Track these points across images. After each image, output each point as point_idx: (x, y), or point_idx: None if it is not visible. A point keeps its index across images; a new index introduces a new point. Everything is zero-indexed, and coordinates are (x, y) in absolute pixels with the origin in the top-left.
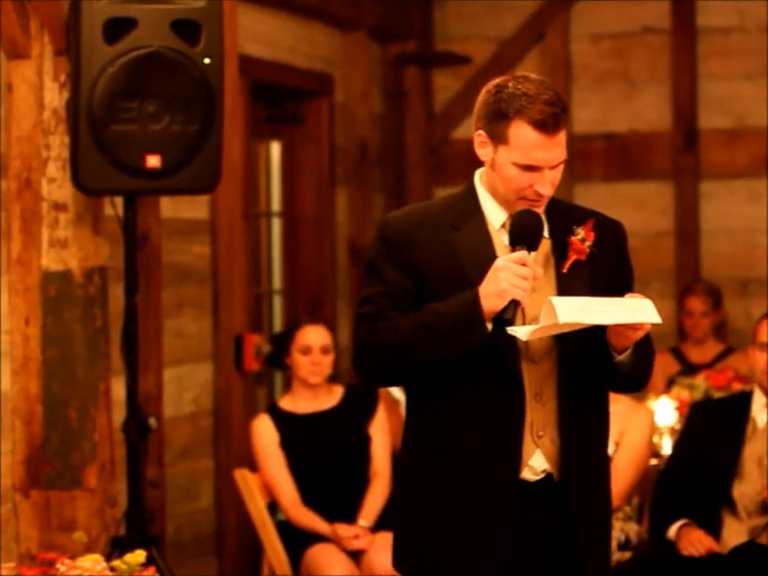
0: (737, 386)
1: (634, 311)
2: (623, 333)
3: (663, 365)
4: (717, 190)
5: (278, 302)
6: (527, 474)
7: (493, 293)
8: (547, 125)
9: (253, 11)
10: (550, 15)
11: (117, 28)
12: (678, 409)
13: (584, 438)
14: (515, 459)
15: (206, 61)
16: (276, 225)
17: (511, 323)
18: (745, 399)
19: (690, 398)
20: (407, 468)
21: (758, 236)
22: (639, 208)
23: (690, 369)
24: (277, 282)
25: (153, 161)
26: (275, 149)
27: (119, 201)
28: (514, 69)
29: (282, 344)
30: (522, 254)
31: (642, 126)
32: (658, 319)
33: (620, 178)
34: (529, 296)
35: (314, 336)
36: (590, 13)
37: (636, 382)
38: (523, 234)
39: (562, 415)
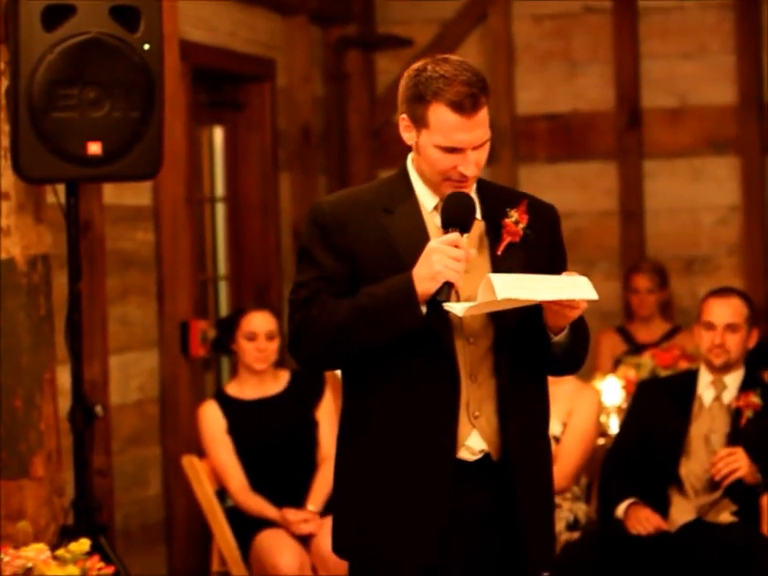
0: (683, 365)
1: (571, 288)
2: (560, 311)
3: (610, 344)
4: (660, 169)
5: (223, 288)
6: (464, 454)
7: (426, 275)
8: (464, 106)
9: None
10: None
11: (55, 15)
12: (624, 388)
13: (522, 417)
14: (451, 439)
15: (146, 47)
16: (220, 210)
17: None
18: (691, 377)
19: (637, 377)
20: (344, 450)
21: (702, 215)
22: (583, 188)
23: (636, 348)
24: (222, 267)
25: (94, 148)
26: (218, 134)
27: (61, 188)
28: (456, 50)
29: (228, 330)
30: (454, 235)
31: (585, 107)
32: (594, 295)
33: (564, 159)
34: (462, 277)
35: (259, 322)
36: None
37: (571, 364)
38: (455, 215)
39: (499, 395)
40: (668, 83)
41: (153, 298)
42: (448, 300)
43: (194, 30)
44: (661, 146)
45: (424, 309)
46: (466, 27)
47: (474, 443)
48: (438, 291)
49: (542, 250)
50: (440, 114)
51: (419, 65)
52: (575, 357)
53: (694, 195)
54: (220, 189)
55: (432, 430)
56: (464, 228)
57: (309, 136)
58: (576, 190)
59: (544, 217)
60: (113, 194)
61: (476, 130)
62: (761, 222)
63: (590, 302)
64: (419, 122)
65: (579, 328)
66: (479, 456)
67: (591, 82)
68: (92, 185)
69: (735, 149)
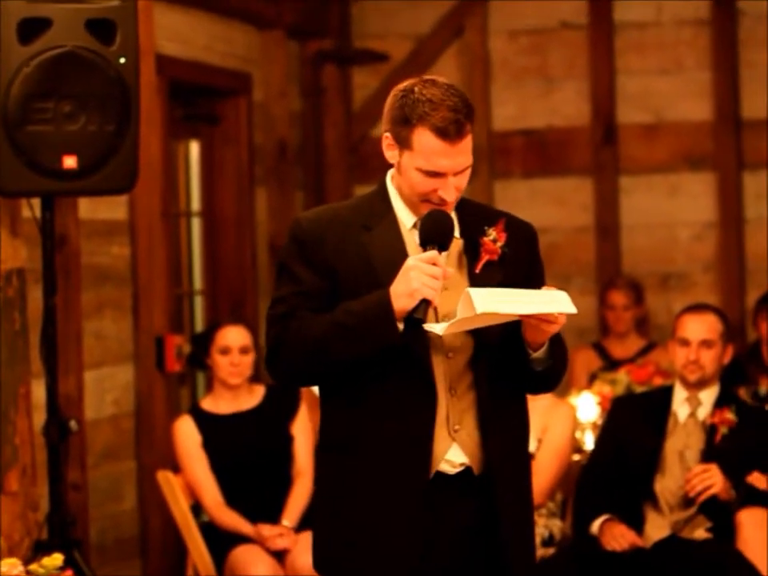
0: (658, 381)
1: (549, 302)
2: (539, 326)
3: (585, 360)
4: (636, 185)
5: (199, 303)
6: (445, 467)
7: (404, 292)
8: (449, 132)
9: (169, 10)
10: (467, 11)
11: (31, 28)
12: (600, 404)
13: (503, 430)
14: (429, 454)
15: (122, 60)
16: (196, 225)
17: (422, 322)
18: (666, 394)
19: (612, 393)
20: (323, 466)
21: (678, 230)
22: (559, 204)
23: (612, 364)
24: (198, 282)
25: (69, 161)
26: (194, 148)
27: (36, 202)
28: (433, 66)
29: (202, 345)
30: (432, 253)
31: (561, 122)
32: (573, 309)
33: (539, 175)
34: (440, 295)
35: (233, 336)
36: (508, 8)
37: (550, 382)
38: (434, 233)
39: (479, 408)
40: (644, 99)
41: (128, 313)
42: (425, 317)
43: (170, 44)
44: (637, 161)
45: (401, 325)
46: (442, 42)
47: (454, 457)
48: (415, 308)
49: (520, 268)
50: (424, 138)
51: (407, 85)
52: (554, 374)
53: (670, 211)
54: (196, 203)
55: (410, 445)
56: (442, 246)
57: (285, 150)
58: (552, 205)
59: (522, 235)
60: (88, 208)
61: (459, 156)
62: (737, 238)
63: (568, 316)
64: (403, 143)
65: (558, 345)
66: (460, 469)
67: (567, 97)
68: (67, 199)
69: (711, 165)
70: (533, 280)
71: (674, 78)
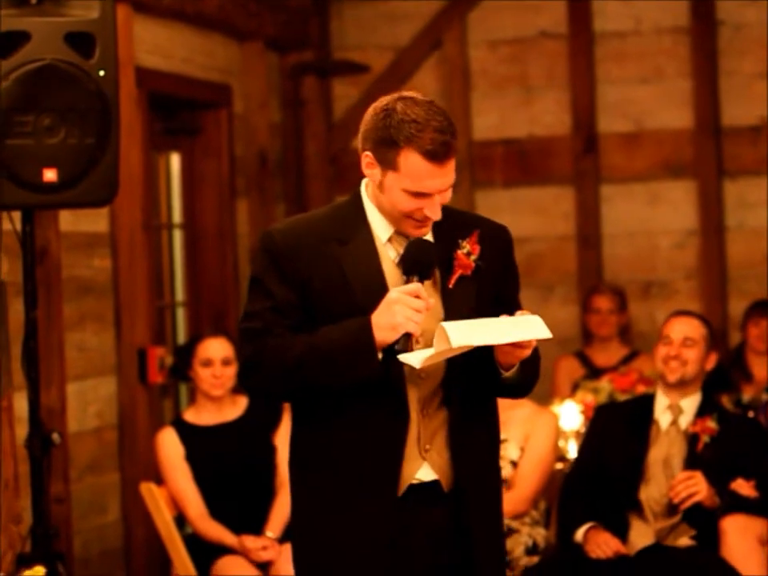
0: (641, 389)
1: (524, 329)
2: (511, 352)
3: (568, 369)
4: (617, 193)
5: (181, 315)
6: (414, 483)
7: (386, 325)
8: (438, 154)
9: (149, 22)
10: (446, 22)
11: (10, 42)
12: (582, 412)
13: (473, 448)
14: (398, 473)
15: (101, 73)
16: (177, 237)
17: (402, 353)
18: (648, 402)
19: (595, 402)
20: (295, 482)
21: (659, 239)
22: (540, 213)
23: (594, 372)
24: (179, 294)
25: (49, 174)
26: (175, 160)
27: (17, 215)
28: (412, 76)
29: (184, 357)
30: (416, 286)
31: (541, 131)
32: (548, 334)
33: (520, 184)
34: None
35: (215, 348)
36: (487, 19)
37: (520, 392)
38: (416, 263)
39: (450, 427)
40: (624, 108)
41: (110, 325)
42: (406, 349)
43: (149, 57)
44: (617, 170)
45: (380, 356)
46: (422, 53)
47: (424, 475)
48: (397, 341)
49: (495, 279)
50: (412, 160)
51: (387, 104)
52: (525, 385)
53: (651, 219)
54: (177, 215)
55: (380, 464)
56: (424, 276)
57: (266, 162)
58: (533, 214)
59: (496, 243)
60: (69, 220)
61: (446, 176)
62: (718, 245)
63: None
64: (387, 164)
65: (529, 361)
66: (430, 482)
67: (547, 107)
68: (48, 211)
69: (692, 173)
70: (507, 290)
71: (654, 87)
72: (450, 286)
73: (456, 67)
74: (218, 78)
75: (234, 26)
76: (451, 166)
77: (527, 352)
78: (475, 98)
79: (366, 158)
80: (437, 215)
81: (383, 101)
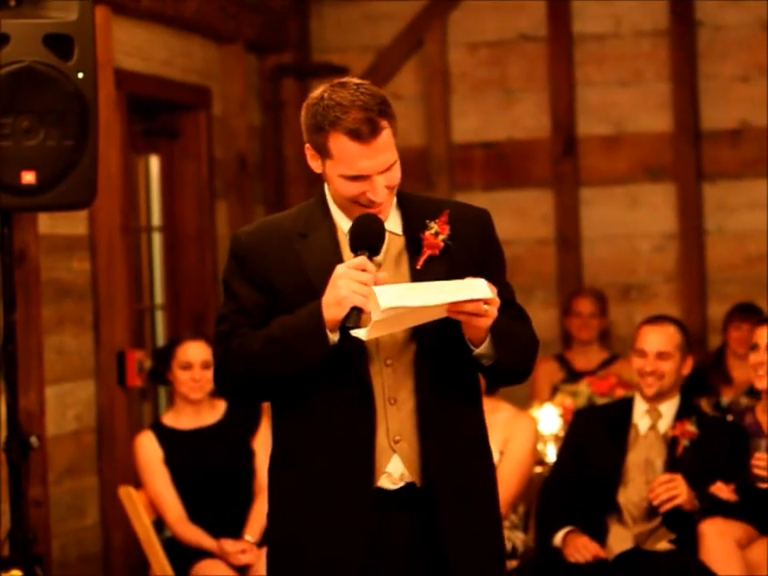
0: (620, 392)
1: (463, 290)
2: (469, 321)
3: (548, 372)
4: (597, 196)
5: (160, 317)
6: (385, 483)
7: (333, 301)
8: (362, 132)
9: (128, 24)
10: (426, 24)
11: None
12: (561, 416)
13: (447, 439)
14: (370, 467)
15: (80, 75)
16: (157, 239)
17: (354, 329)
18: (626, 405)
19: (574, 405)
20: (273, 481)
21: (639, 242)
22: (520, 216)
23: (574, 375)
24: (159, 296)
25: (28, 177)
26: (154, 163)
27: None
28: (392, 78)
29: (163, 360)
30: (360, 259)
31: (521, 134)
32: (489, 294)
33: (500, 187)
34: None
35: (194, 351)
36: (467, 21)
37: (510, 375)
38: (362, 238)
39: (419, 416)
40: (603, 111)
41: (89, 328)
42: (357, 325)
43: (128, 59)
44: (597, 173)
45: (336, 336)
46: (402, 55)
47: (393, 469)
48: (347, 317)
49: (469, 258)
50: (340, 143)
51: (317, 93)
52: (510, 366)
53: (631, 222)
54: (156, 218)
55: (350, 457)
56: (373, 250)
57: (245, 164)
58: (512, 217)
59: (472, 224)
60: (48, 223)
61: (379, 155)
62: (697, 248)
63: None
64: (322, 152)
65: (504, 335)
66: (401, 484)
67: (527, 109)
68: (26, 214)
69: (671, 176)
70: (489, 267)
71: (634, 90)
72: (418, 266)
73: (436, 69)
74: (197, 80)
75: (213, 28)
76: (383, 143)
77: (486, 321)
78: (455, 100)
79: (308, 150)
80: (380, 197)
81: (316, 91)
